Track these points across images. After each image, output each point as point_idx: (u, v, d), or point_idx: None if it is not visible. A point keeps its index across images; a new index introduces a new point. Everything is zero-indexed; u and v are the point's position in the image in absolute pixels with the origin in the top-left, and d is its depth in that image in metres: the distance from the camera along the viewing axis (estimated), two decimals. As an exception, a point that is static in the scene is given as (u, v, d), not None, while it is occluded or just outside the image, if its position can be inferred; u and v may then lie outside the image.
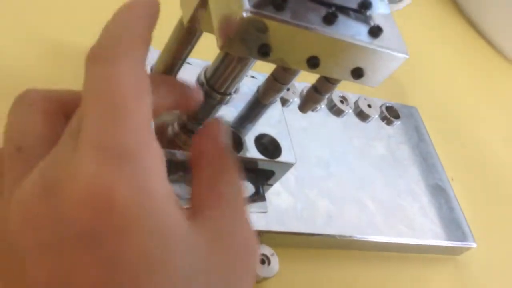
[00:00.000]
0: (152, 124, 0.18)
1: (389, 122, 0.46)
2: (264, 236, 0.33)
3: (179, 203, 0.18)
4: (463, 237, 0.42)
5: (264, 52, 0.23)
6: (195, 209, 0.20)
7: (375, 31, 0.25)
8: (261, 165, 0.33)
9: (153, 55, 0.32)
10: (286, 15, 0.23)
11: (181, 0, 0.28)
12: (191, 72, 0.33)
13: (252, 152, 0.32)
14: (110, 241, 0.16)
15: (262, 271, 0.32)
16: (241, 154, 0.32)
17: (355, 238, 0.37)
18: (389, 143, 0.45)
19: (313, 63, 0.25)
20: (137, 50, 0.19)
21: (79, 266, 0.16)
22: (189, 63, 0.32)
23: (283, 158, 0.33)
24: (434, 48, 0.64)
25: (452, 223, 0.42)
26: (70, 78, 0.34)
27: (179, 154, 0.30)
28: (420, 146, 0.47)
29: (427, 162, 0.46)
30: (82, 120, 0.17)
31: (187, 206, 0.20)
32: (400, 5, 0.27)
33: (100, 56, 0.19)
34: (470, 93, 0.62)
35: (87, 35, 0.37)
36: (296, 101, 0.41)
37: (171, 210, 0.17)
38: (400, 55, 0.26)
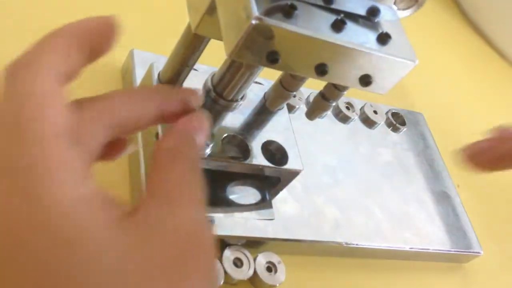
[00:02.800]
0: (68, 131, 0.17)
1: (395, 129, 0.46)
2: (270, 243, 0.33)
3: (106, 203, 0.17)
4: (469, 245, 0.42)
5: (272, 59, 0.23)
6: (138, 204, 0.18)
7: (383, 38, 0.25)
8: (268, 172, 0.33)
9: (160, 61, 0.32)
10: (294, 23, 0.22)
11: (188, 6, 0.28)
12: (198, 78, 0.33)
13: (259, 159, 0.32)
14: (7, 259, 0.15)
15: (269, 279, 0.31)
16: (248, 161, 0.31)
17: (362, 246, 0.36)
18: (395, 150, 0.45)
19: (321, 70, 0.24)
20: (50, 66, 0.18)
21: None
22: (195, 69, 0.32)
23: (290, 165, 0.33)
24: (440, 54, 0.64)
25: (459, 230, 0.42)
26: (71, 86, 0.34)
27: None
28: (426, 153, 0.47)
29: (433, 169, 0.46)
30: None
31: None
32: (406, 13, 0.27)
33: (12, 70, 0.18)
34: (476, 99, 0.61)
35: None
36: (302, 107, 0.41)
37: (82, 214, 0.16)
38: (409, 62, 0.26)
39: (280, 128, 0.34)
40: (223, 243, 0.31)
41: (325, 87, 0.29)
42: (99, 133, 0.19)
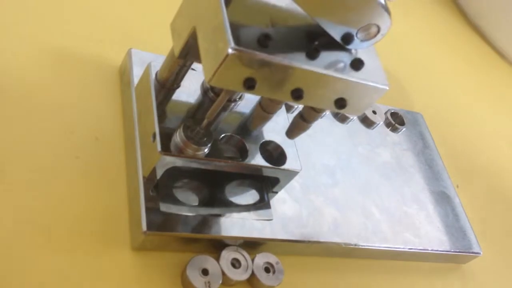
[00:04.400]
0: None
1: (394, 129, 0.46)
2: (268, 244, 0.33)
3: None
4: (469, 246, 0.41)
5: (249, 86, 0.24)
6: None
7: (356, 64, 0.26)
8: (266, 173, 0.33)
9: (158, 61, 0.32)
10: (270, 52, 0.23)
11: (172, 30, 0.29)
12: (195, 78, 0.33)
13: (257, 159, 0.32)
14: None
15: (267, 280, 0.31)
16: (246, 161, 0.31)
17: (361, 247, 0.36)
18: (394, 150, 0.45)
19: (297, 95, 0.25)
20: None
21: None
22: (193, 69, 0.32)
23: (288, 165, 0.33)
24: (439, 54, 0.64)
25: (458, 231, 0.42)
26: (69, 86, 0.34)
27: (184, 162, 0.29)
28: (425, 153, 0.47)
29: (432, 169, 0.46)
30: None
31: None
32: (366, 44, 0.28)
33: None
34: (475, 99, 0.61)
35: (87, 42, 0.37)
36: (300, 107, 0.41)
37: None
38: (381, 86, 0.27)
39: (278, 128, 0.34)
40: (221, 243, 0.31)
41: (304, 108, 0.30)
42: None
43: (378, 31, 0.26)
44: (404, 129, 0.46)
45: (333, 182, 0.39)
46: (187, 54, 0.28)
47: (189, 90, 0.33)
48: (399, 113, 0.47)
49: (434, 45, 0.64)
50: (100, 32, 0.38)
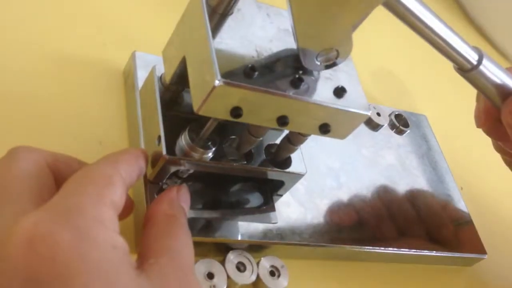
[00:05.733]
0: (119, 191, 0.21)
1: (398, 131, 0.46)
2: (274, 247, 0.33)
3: (128, 254, 0.19)
4: (474, 248, 0.41)
5: (236, 115, 0.25)
6: (141, 258, 0.22)
7: (339, 92, 0.27)
8: (271, 176, 0.33)
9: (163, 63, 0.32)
10: (255, 83, 0.24)
11: (164, 58, 0.30)
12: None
13: (261, 162, 0.32)
14: (53, 286, 0.16)
15: (272, 283, 0.31)
16: (251, 164, 0.31)
17: (366, 250, 0.36)
18: (399, 152, 0.45)
19: (282, 121, 0.26)
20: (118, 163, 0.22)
21: None
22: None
23: (293, 168, 0.32)
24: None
25: (463, 233, 0.42)
26: (73, 90, 0.34)
27: (189, 165, 0.29)
28: (429, 155, 0.46)
29: (436, 172, 0.45)
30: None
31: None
32: (327, 69, 0.28)
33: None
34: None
35: (90, 45, 0.37)
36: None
37: (116, 257, 0.18)
38: (363, 112, 0.27)
39: (282, 130, 0.34)
40: (226, 247, 0.31)
41: (290, 132, 0.31)
42: (123, 190, 0.22)
43: (337, 56, 0.26)
44: (408, 131, 0.46)
45: (338, 185, 0.38)
46: (178, 81, 0.29)
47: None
48: (403, 115, 0.47)
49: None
50: (103, 35, 0.38)
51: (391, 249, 0.37)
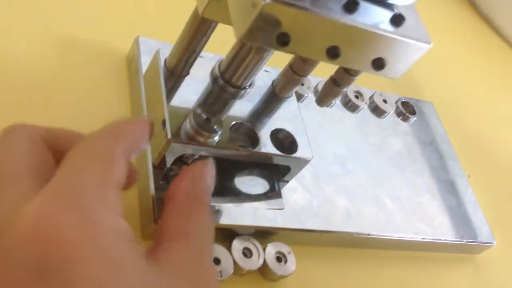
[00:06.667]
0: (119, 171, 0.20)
1: (405, 118, 0.45)
2: (280, 233, 0.32)
3: (134, 239, 0.19)
4: (482, 236, 0.41)
5: (283, 42, 0.23)
6: (155, 242, 0.21)
7: (397, 20, 0.24)
8: (277, 161, 0.32)
9: (166, 48, 0.32)
10: (305, 3, 0.22)
11: None
12: (204, 65, 0.33)
13: (267, 147, 0.31)
14: (61, 271, 0.16)
15: (279, 269, 0.31)
16: (256, 149, 0.31)
17: (373, 236, 0.36)
18: (406, 140, 0.44)
19: (333, 53, 0.24)
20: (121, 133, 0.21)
21: None
22: (201, 57, 0.32)
23: (299, 153, 0.32)
24: (450, 43, 0.63)
25: (471, 221, 0.41)
26: (76, 75, 0.34)
27: (194, 149, 0.29)
28: (436, 143, 0.46)
29: (444, 159, 0.45)
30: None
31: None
32: None
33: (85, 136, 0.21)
34: (486, 88, 0.60)
35: (94, 30, 0.36)
36: (311, 96, 0.40)
37: (122, 243, 0.18)
38: (423, 44, 0.25)
39: (289, 116, 0.34)
40: (232, 233, 0.31)
41: (336, 71, 0.28)
42: (125, 166, 0.21)
43: None
44: (415, 118, 0.46)
45: (344, 172, 0.38)
46: (212, 13, 0.27)
47: (198, 78, 0.32)
48: (410, 102, 0.46)
49: (445, 34, 0.63)
50: (107, 20, 0.38)
51: (399, 236, 0.37)
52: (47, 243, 0.16)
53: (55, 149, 0.22)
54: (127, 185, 0.23)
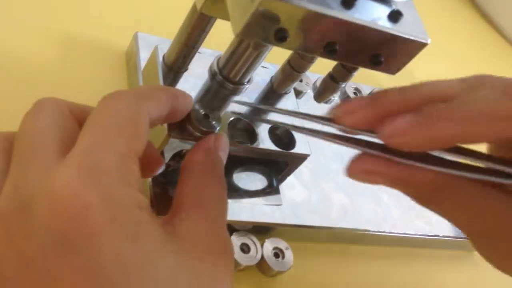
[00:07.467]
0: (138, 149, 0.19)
1: (403, 115, 0.45)
2: (278, 229, 0.32)
3: (151, 211, 0.19)
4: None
5: (280, 37, 0.23)
6: (172, 212, 0.21)
7: (395, 16, 0.24)
8: (275, 157, 0.32)
9: (165, 44, 0.32)
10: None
11: None
12: (202, 62, 0.33)
13: (266, 143, 0.31)
14: (84, 246, 0.16)
15: (277, 265, 0.31)
16: (254, 145, 0.31)
17: (371, 232, 0.36)
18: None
19: (330, 49, 0.24)
20: (147, 101, 0.21)
21: (59, 276, 0.16)
22: (200, 53, 0.32)
23: (297, 149, 0.32)
24: (449, 42, 0.63)
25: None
26: (75, 71, 0.34)
27: (192, 145, 0.29)
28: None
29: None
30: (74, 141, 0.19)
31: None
32: None
33: (110, 95, 0.21)
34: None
35: (93, 26, 0.36)
36: (309, 93, 0.40)
37: (142, 217, 0.18)
38: (421, 40, 0.25)
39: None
40: (230, 228, 0.31)
41: (334, 68, 0.28)
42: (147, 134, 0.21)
43: None
44: (413, 115, 0.46)
45: (343, 168, 0.38)
46: (210, 9, 0.27)
47: (196, 74, 0.32)
48: (408, 99, 0.46)
49: (444, 32, 0.63)
50: (106, 16, 0.38)
51: (396, 232, 0.37)
52: (69, 220, 0.17)
53: (83, 122, 0.22)
54: (149, 173, 0.23)
